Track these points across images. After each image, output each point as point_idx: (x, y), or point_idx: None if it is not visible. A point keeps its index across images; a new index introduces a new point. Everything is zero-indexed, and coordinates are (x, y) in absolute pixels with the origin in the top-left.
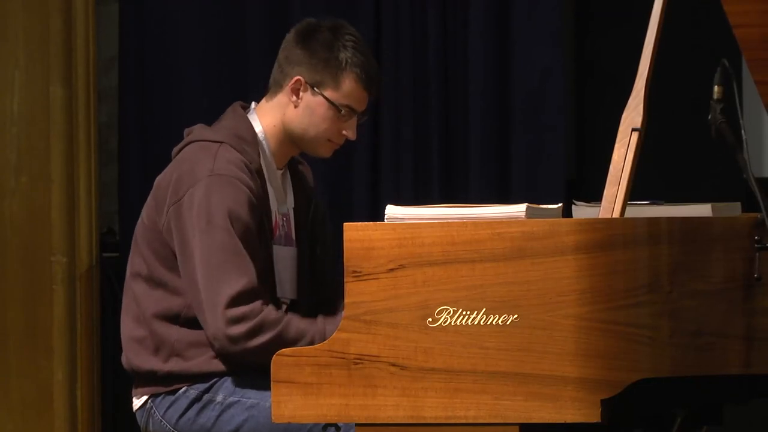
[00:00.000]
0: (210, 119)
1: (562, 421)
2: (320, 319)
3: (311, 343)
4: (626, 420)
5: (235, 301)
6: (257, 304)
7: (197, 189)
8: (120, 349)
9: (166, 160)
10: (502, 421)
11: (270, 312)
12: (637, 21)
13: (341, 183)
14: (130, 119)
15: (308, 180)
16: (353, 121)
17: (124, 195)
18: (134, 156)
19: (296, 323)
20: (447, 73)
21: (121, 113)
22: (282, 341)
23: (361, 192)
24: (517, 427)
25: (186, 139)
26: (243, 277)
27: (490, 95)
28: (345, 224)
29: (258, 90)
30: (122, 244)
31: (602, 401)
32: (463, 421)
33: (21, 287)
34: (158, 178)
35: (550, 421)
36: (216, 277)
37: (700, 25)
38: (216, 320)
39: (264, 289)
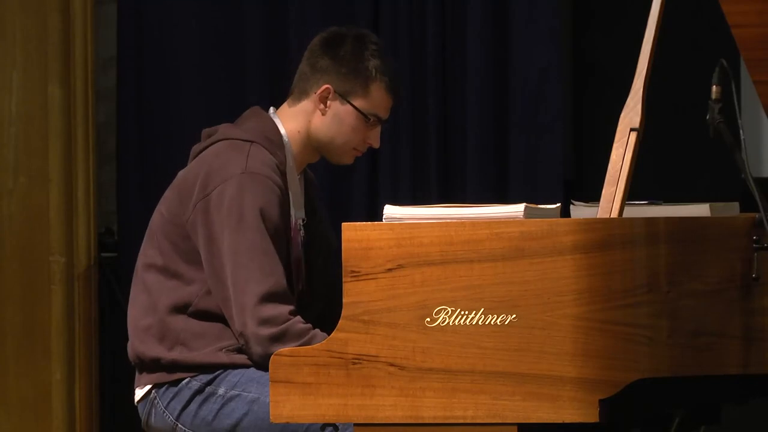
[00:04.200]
0: (209, 119)
1: (561, 421)
2: None
3: None
4: (624, 420)
5: (264, 301)
6: (285, 309)
7: (228, 186)
8: (119, 348)
9: (165, 160)
10: (500, 421)
11: (296, 323)
12: (635, 20)
13: (340, 183)
14: (129, 119)
15: (316, 189)
16: (378, 130)
17: (122, 195)
18: (132, 156)
19: (321, 339)
20: (445, 72)
21: (119, 113)
22: None
23: (360, 192)
24: (516, 427)
25: (212, 138)
26: (271, 277)
27: (488, 95)
28: (343, 224)
29: (255, 90)
30: (120, 243)
31: (600, 401)
32: (462, 421)
33: (19, 287)
34: (182, 173)
35: (548, 421)
36: (245, 275)
37: (699, 25)
38: (244, 318)
39: (291, 294)
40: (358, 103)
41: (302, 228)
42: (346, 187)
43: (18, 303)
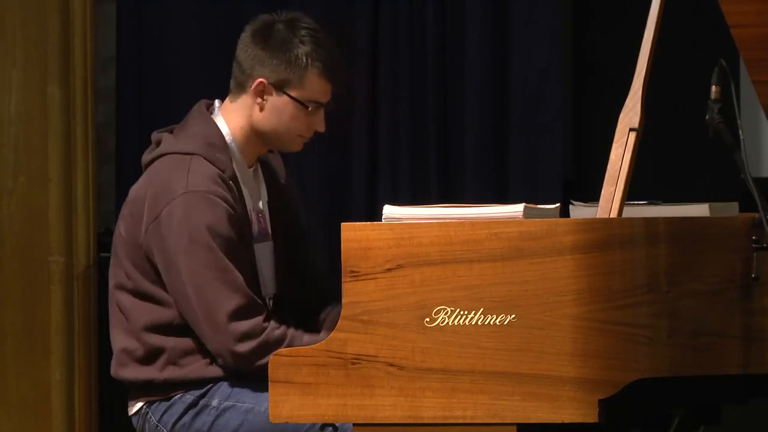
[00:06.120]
0: None
1: (560, 421)
2: (324, 334)
3: None
4: (624, 420)
5: (235, 316)
6: (258, 320)
7: (174, 207)
8: None
9: None
10: (499, 421)
11: (273, 330)
12: (635, 20)
13: (339, 183)
14: (128, 119)
15: (278, 170)
16: (321, 115)
17: (121, 195)
18: (131, 156)
19: (299, 341)
20: (444, 72)
21: (118, 113)
22: None
23: (359, 192)
24: (515, 427)
25: (156, 151)
26: (237, 293)
27: (488, 95)
28: (342, 224)
29: None
30: None
31: (600, 401)
32: (461, 421)
33: (19, 287)
34: (132, 190)
35: (547, 421)
36: (210, 295)
37: (699, 25)
38: (220, 338)
39: (260, 302)
40: (294, 92)
41: (268, 215)
42: (345, 187)
43: (18, 303)
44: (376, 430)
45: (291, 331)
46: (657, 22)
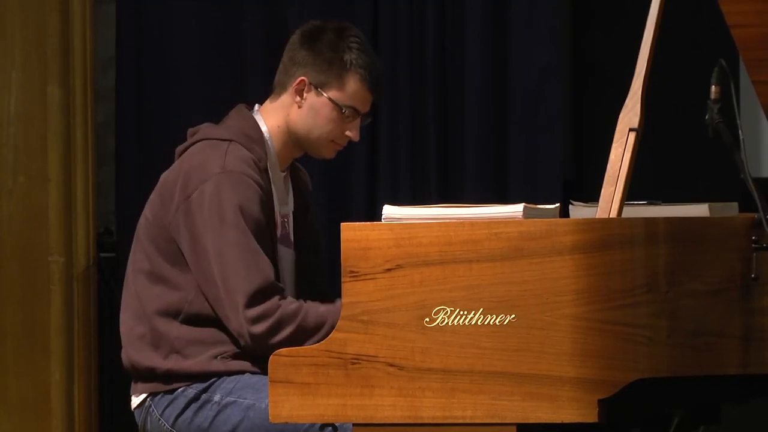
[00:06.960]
0: (207, 120)
1: (560, 421)
2: (339, 302)
3: (333, 326)
4: (624, 420)
5: (254, 299)
6: (274, 300)
7: (207, 186)
8: (117, 349)
9: (163, 160)
10: (499, 421)
11: (288, 305)
12: (635, 20)
13: (338, 183)
14: (128, 119)
15: (307, 186)
16: (357, 123)
17: (121, 195)
18: (131, 156)
19: (314, 311)
20: (445, 72)
21: (118, 113)
22: (303, 331)
23: (359, 192)
24: (515, 427)
25: (193, 138)
26: (258, 274)
27: (488, 95)
28: (342, 224)
29: (255, 90)
30: (119, 244)
31: (599, 401)
32: (461, 421)
33: (18, 287)
34: (164, 175)
35: (547, 421)
36: (233, 275)
37: (699, 25)
38: (238, 319)
39: (279, 284)
40: (333, 94)
41: (292, 223)
42: (345, 187)
43: (17, 303)
44: (376, 430)
45: (306, 305)
46: (657, 22)
